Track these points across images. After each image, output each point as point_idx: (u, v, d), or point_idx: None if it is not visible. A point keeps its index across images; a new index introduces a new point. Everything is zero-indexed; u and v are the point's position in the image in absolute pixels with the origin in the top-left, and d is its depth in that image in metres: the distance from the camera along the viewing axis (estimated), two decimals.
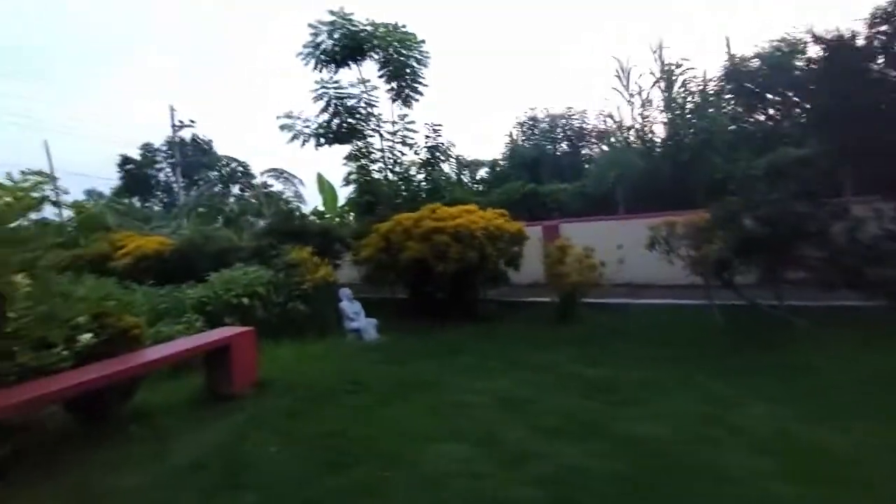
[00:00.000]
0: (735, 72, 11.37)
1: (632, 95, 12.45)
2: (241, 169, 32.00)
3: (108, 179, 33.24)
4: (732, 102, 11.58)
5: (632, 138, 12.77)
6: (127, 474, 2.95)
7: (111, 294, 3.79)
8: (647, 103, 12.16)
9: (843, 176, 7.85)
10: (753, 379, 4.28)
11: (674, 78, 11.51)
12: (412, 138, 11.81)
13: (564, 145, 16.36)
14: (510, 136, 17.12)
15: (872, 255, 5.40)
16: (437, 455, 3.17)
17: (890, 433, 3.10)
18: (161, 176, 37.02)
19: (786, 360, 4.68)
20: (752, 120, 11.38)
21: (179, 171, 29.69)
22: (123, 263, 9.17)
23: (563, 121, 16.31)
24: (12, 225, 2.90)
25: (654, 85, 11.79)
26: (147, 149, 36.00)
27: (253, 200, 19.22)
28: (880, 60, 5.81)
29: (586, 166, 14.16)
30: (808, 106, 8.43)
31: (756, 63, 11.34)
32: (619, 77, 12.68)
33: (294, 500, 2.69)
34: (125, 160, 34.72)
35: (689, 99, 11.33)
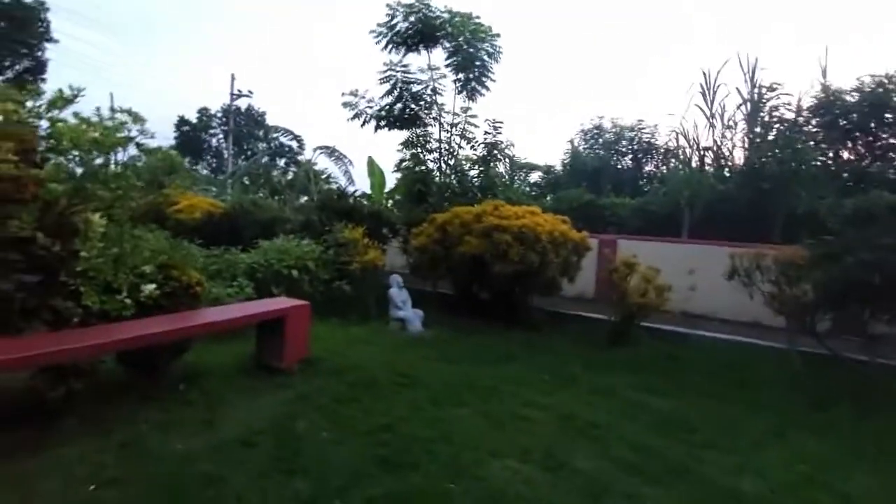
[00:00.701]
0: (829, 104, 10.52)
1: (713, 115, 11.72)
2: (294, 143, 32.48)
3: (165, 139, 34.30)
4: (821, 135, 10.74)
5: (707, 160, 12.05)
6: (176, 439, 2.76)
7: (177, 246, 3.64)
8: (730, 125, 11.43)
9: None
10: (850, 442, 3.78)
11: (763, 102, 10.73)
12: (472, 133, 11.54)
13: (628, 159, 15.67)
14: (571, 142, 16.60)
15: None
16: (502, 472, 2.88)
17: None
18: (213, 141, 38.09)
19: (885, 423, 4.15)
20: (839, 157, 10.53)
21: (231, 139, 30.38)
22: (177, 220, 9.22)
23: (632, 133, 15.59)
24: (98, 162, 2.75)
25: (740, 106, 11.03)
26: (203, 113, 37.07)
27: (300, 174, 19.30)
28: None
29: (649, 184, 13.49)
30: None
31: (854, 97, 10.48)
32: (703, 94, 11.97)
33: (349, 495, 2.44)
34: (182, 121, 35.83)
35: (777, 126, 10.55)
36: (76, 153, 2.78)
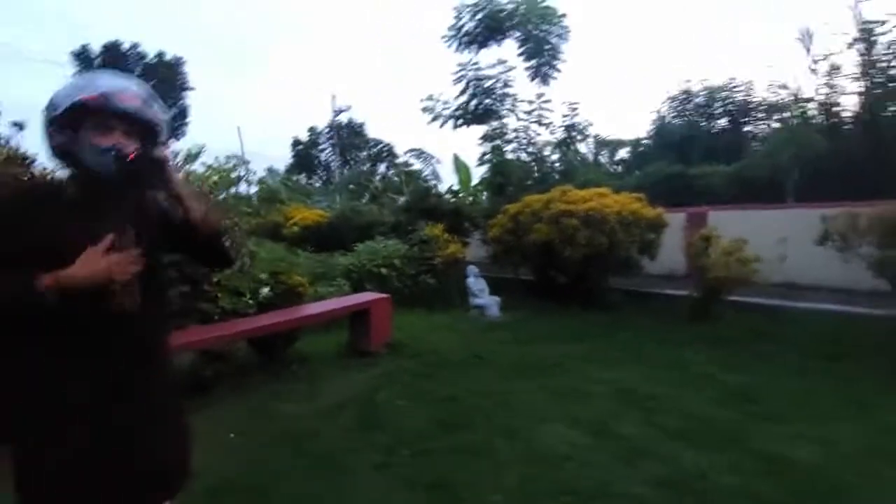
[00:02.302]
0: None
1: (815, 62, 10.29)
2: (386, 149, 34.65)
3: (283, 159, 38.66)
4: None
5: (812, 112, 10.61)
6: (288, 404, 3.64)
7: (283, 257, 4.59)
8: (835, 70, 9.92)
9: None
10: None
11: (874, 38, 9.15)
12: (548, 117, 11.62)
13: (723, 122, 14.30)
14: (658, 112, 15.60)
15: None
16: (547, 435, 3.25)
17: None
18: (322, 156, 41.92)
19: None
20: None
21: (337, 152, 33.34)
22: (292, 232, 10.76)
23: (724, 94, 14.19)
24: (220, 197, 3.72)
25: (849, 47, 9.51)
26: (312, 132, 40.91)
27: (395, 178, 20.75)
28: None
29: (752, 146, 12.26)
30: None
31: None
32: (801, 39, 10.57)
33: (416, 446, 3.04)
34: (296, 142, 39.95)
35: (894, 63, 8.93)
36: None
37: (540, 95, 11.46)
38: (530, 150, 12.00)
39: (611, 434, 3.27)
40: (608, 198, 6.89)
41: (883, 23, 8.89)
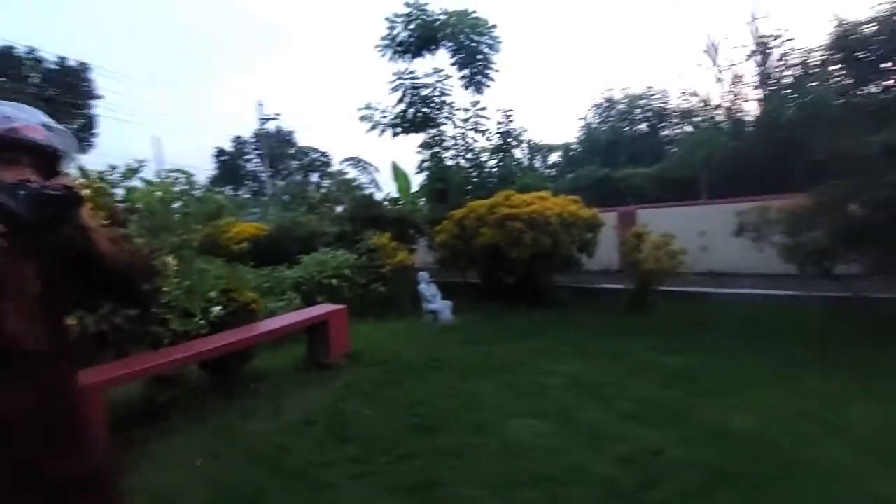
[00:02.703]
0: (845, 39, 10.16)
1: (721, 71, 11.59)
2: (322, 158, 33.85)
3: (204, 171, 36.58)
4: (841, 74, 10.39)
5: (720, 117, 11.91)
6: (253, 423, 3.51)
7: (234, 274, 4.41)
8: (738, 79, 11.26)
9: None
10: (862, 378, 3.91)
11: (769, 51, 10.53)
12: (484, 124, 11.98)
13: (643, 127, 15.59)
14: (584, 119, 16.69)
15: None
16: (517, 428, 3.39)
17: None
18: (249, 166, 40.15)
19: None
20: (863, 93, 10.16)
21: (266, 161, 32.07)
22: (232, 247, 10.23)
23: (643, 101, 15.50)
24: (164, 214, 3.52)
25: (748, 59, 10.86)
26: (237, 141, 39.11)
27: (332, 188, 20.37)
28: None
29: (667, 149, 13.45)
30: None
31: (872, 28, 10.06)
32: (707, 52, 11.85)
33: (392, 453, 3.06)
34: (220, 152, 37.97)
35: (788, 72, 10.33)
36: (146, 210, 3.55)
37: (475, 103, 11.81)
38: (469, 156, 12.30)
39: (573, 421, 3.48)
40: (548, 200, 7.27)
41: (776, 37, 10.23)
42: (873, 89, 10.06)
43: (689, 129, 13.04)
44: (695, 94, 12.24)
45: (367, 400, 3.99)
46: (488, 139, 12.22)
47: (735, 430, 3.19)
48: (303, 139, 39.90)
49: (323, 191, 22.15)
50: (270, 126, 33.99)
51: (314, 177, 34.99)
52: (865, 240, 5.26)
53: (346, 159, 20.56)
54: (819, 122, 9.26)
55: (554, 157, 16.91)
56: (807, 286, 5.92)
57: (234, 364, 4.13)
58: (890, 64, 10.37)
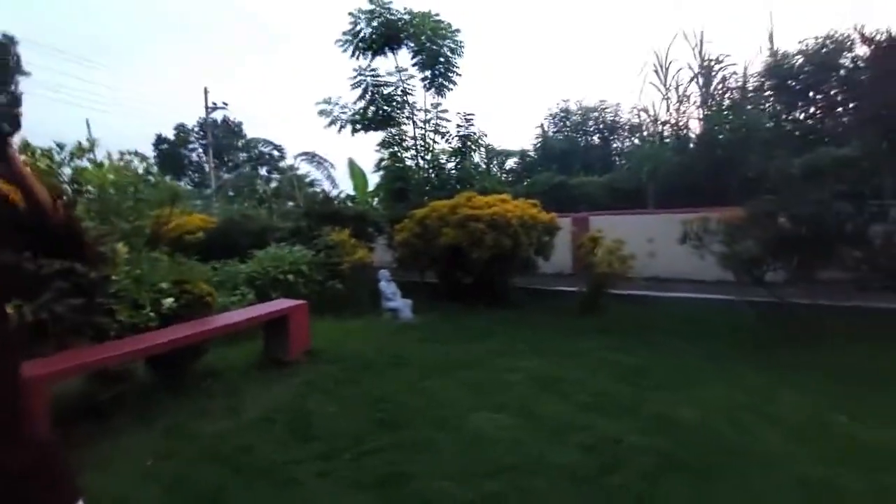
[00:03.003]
0: (777, 68, 11.17)
1: (668, 90, 12.39)
2: (274, 152, 32.67)
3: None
4: (772, 100, 11.41)
5: (666, 133, 12.73)
6: (208, 422, 3.34)
7: (188, 264, 4.17)
8: (683, 98, 12.10)
9: (885, 178, 7.74)
10: (789, 372, 4.34)
11: (713, 73, 11.40)
12: (444, 127, 12.06)
13: (596, 138, 16.35)
14: (541, 127, 17.26)
15: None
16: (480, 422, 3.44)
17: None
18: (193, 156, 38.09)
19: (821, 356, 4.73)
20: (791, 118, 11.21)
21: (211, 152, 30.55)
22: (173, 238, 9.66)
23: (596, 113, 16.28)
24: (116, 198, 3.28)
25: (692, 80, 11.71)
26: (180, 129, 37.02)
27: (285, 182, 19.74)
28: None
29: (617, 160, 14.17)
30: (852, 105, 8.30)
31: (800, 60, 11.12)
32: (656, 71, 12.63)
33: (356, 449, 3.02)
34: (160, 139, 35.78)
35: (728, 95, 11.23)
36: (96, 192, 3.30)
37: (436, 105, 11.86)
38: (428, 157, 12.33)
39: (534, 414, 3.58)
40: (510, 203, 7.43)
41: (718, 62, 11.08)
42: (800, 115, 11.13)
43: (637, 142, 13.86)
44: (644, 111, 13.08)
45: (329, 397, 3.90)
46: (448, 141, 12.33)
47: (682, 420, 3.42)
48: (254, 131, 38.32)
49: (274, 185, 21.43)
50: (217, 115, 32.50)
51: (263, 171, 33.71)
52: (789, 250, 5.81)
53: (301, 154, 20.04)
54: (752, 143, 10.09)
55: (511, 163, 17.36)
56: (741, 292, 6.42)
57: (186, 360, 3.91)
58: (813, 94, 11.51)
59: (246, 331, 4.80)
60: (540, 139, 16.68)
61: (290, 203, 17.98)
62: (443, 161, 12.48)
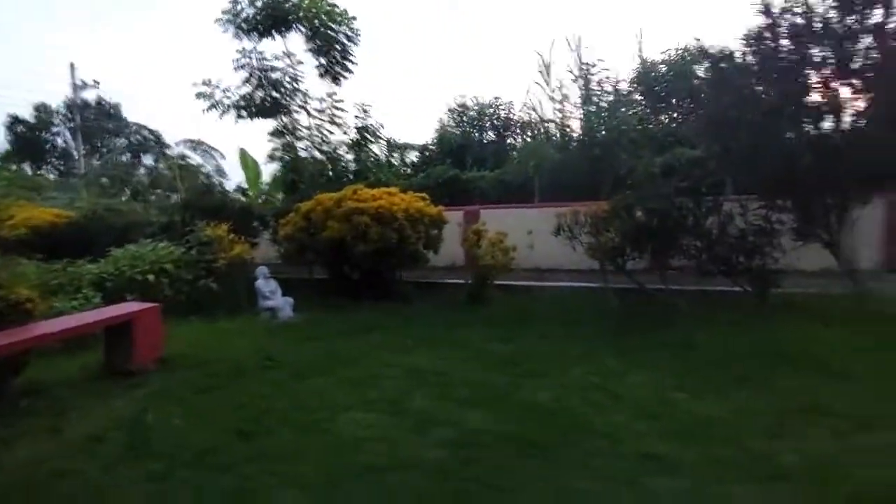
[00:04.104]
0: (645, 75, 12.41)
1: (552, 90, 13.21)
2: (152, 137, 29.22)
3: None
4: (642, 103, 12.67)
5: (551, 131, 13.55)
6: (20, 448, 2.87)
7: (7, 264, 3.54)
8: (565, 99, 12.98)
9: (727, 177, 8.88)
10: (641, 354, 4.69)
11: (590, 76, 12.36)
12: (341, 117, 11.68)
13: (491, 134, 16.96)
14: (440, 121, 17.48)
15: (739, 245, 6.27)
16: (349, 423, 3.35)
17: (756, 400, 3.53)
18: (58, 141, 32.86)
19: (669, 337, 5.16)
20: (657, 121, 12.55)
21: (80, 137, 26.63)
22: (10, 235, 8.25)
23: (491, 110, 16.86)
24: None
25: (573, 81, 12.62)
26: (42, 110, 31.68)
27: (166, 172, 17.84)
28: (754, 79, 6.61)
29: (511, 155, 14.82)
30: (699, 112, 9.47)
31: (663, 68, 12.45)
32: (541, 72, 13.37)
33: (199, 467, 2.77)
34: (14, 120, 30.34)
35: (603, 97, 12.26)
36: None
37: (332, 95, 11.44)
38: (324, 148, 11.88)
39: (405, 411, 3.56)
40: (396, 196, 7.39)
41: (594, 65, 12.05)
42: (664, 118, 12.50)
43: (527, 139, 14.62)
44: (532, 109, 13.81)
45: (181, 408, 3.56)
46: (345, 132, 11.96)
47: (542, 404, 3.61)
48: (136, 116, 34.07)
49: (153, 175, 19.33)
50: (89, 95, 28.41)
51: (148, 159, 30.14)
52: (645, 240, 6.47)
53: (184, 141, 18.23)
54: (623, 143, 11.11)
55: (413, 156, 17.35)
56: (607, 279, 7.02)
57: (0, 375, 3.33)
58: (675, 100, 12.97)
59: (85, 341, 4.24)
60: (438, 133, 16.91)
61: (174, 196, 16.33)
62: (341, 153, 12.10)
